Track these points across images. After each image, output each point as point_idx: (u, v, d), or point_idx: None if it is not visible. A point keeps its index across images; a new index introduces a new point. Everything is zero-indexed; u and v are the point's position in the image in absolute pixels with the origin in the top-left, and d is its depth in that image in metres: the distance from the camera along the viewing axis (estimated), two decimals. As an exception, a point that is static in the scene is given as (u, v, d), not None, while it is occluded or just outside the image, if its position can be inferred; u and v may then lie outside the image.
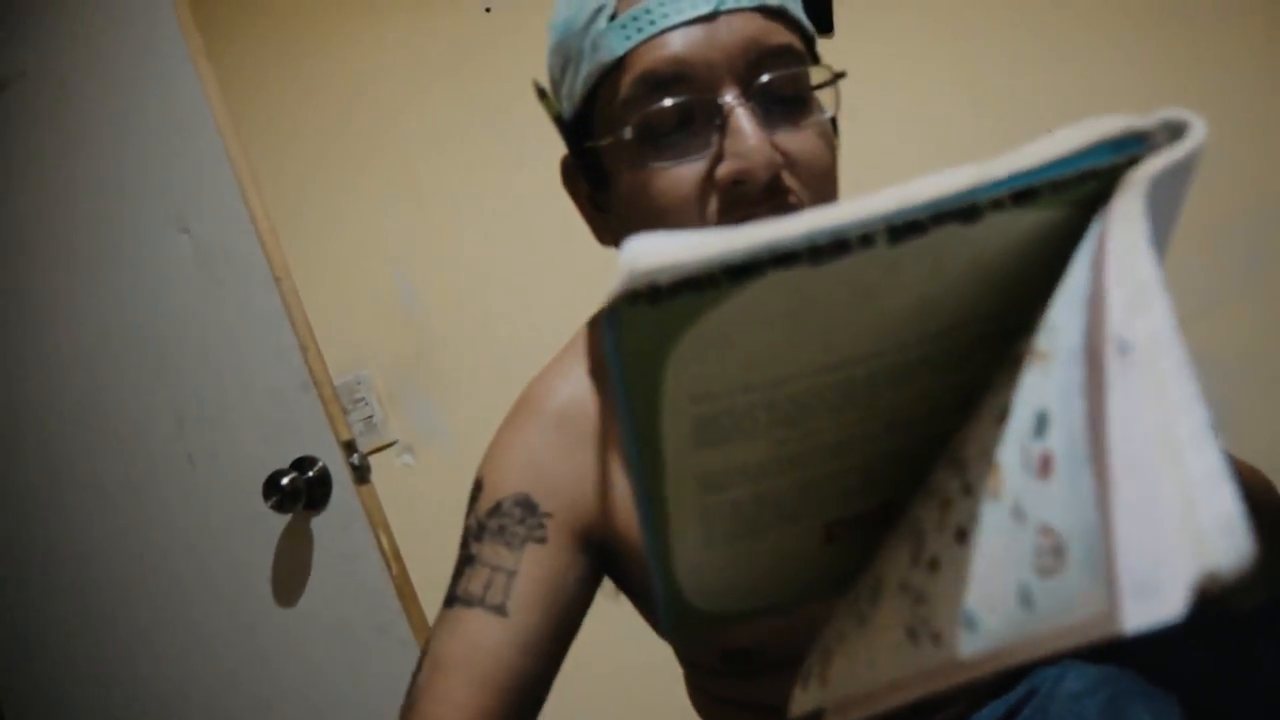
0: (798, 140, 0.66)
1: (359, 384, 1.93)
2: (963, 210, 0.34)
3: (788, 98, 0.67)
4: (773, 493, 0.40)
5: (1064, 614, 0.30)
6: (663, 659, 0.97)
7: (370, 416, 1.93)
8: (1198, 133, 0.34)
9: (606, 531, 0.78)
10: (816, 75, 0.69)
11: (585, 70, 0.69)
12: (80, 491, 1.66)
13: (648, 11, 0.66)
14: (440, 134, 1.91)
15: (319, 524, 1.56)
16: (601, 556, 0.79)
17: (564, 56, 0.72)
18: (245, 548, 1.58)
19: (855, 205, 0.33)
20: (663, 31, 0.65)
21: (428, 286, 1.92)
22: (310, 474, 1.54)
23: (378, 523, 1.57)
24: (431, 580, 1.58)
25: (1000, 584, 0.33)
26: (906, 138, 1.97)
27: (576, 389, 0.80)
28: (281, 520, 1.54)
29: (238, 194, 1.58)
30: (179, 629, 1.61)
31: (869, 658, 0.39)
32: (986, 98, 2.00)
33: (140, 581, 1.63)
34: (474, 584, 0.73)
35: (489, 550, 0.75)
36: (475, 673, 0.69)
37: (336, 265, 1.91)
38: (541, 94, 0.76)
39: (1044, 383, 0.33)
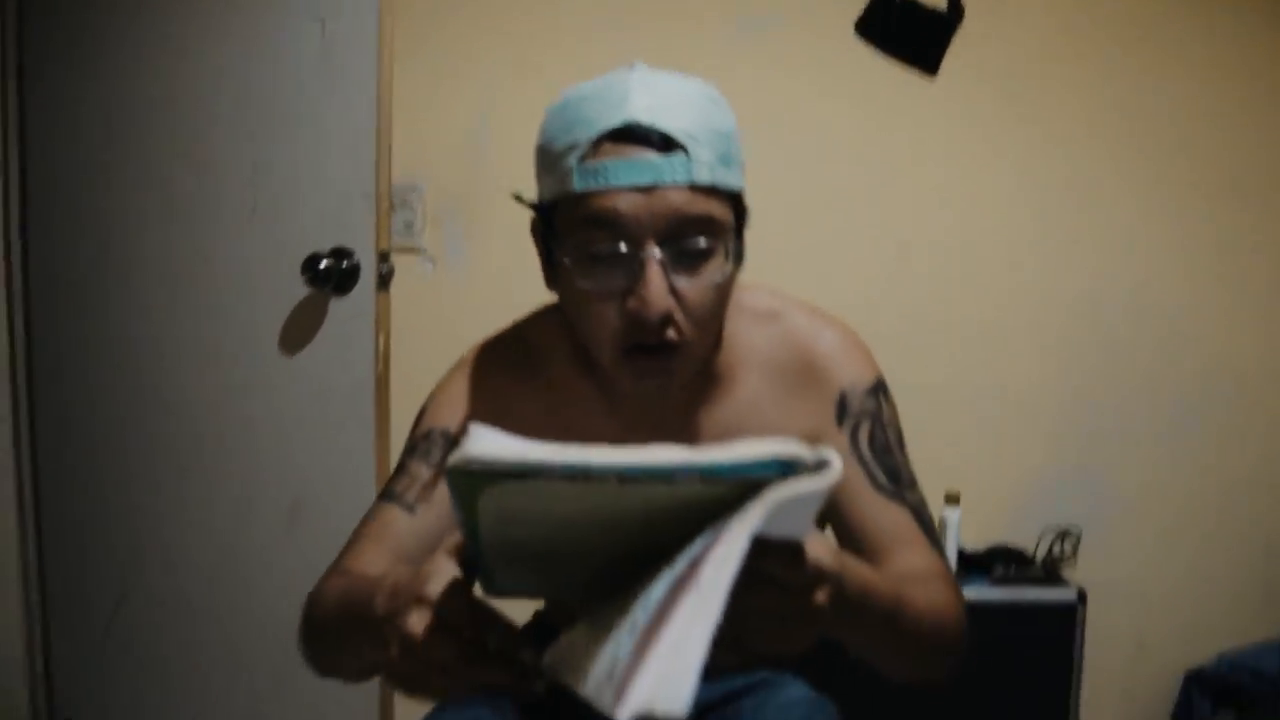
0: (693, 287, 0.88)
1: (413, 190, 2.17)
2: (666, 478, 0.56)
3: (697, 251, 0.88)
4: (550, 552, 0.66)
5: (609, 679, 0.53)
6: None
7: (411, 223, 2.18)
8: (833, 473, 0.56)
9: None
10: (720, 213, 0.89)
11: (551, 185, 0.90)
12: (152, 194, 1.92)
13: (605, 169, 0.85)
14: (571, 25, 2.10)
15: (336, 306, 1.84)
16: None
17: (542, 162, 0.93)
18: (270, 297, 1.86)
19: (605, 454, 0.55)
20: (614, 188, 0.85)
21: (501, 139, 2.13)
22: (344, 264, 1.81)
23: (382, 324, 1.85)
24: (404, 376, 1.88)
25: (610, 648, 0.57)
26: (969, 174, 2.21)
27: (503, 354, 1.07)
28: (305, 290, 1.81)
29: (375, 5, 1.78)
30: (191, 343, 1.91)
31: (579, 650, 0.63)
32: (1042, 179, 2.19)
33: (178, 291, 1.91)
34: (398, 486, 1.00)
35: (414, 464, 1.00)
36: (383, 545, 0.95)
37: (437, 87, 2.12)
38: (518, 199, 0.99)
39: (674, 567, 0.58)
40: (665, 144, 0.85)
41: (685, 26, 2.14)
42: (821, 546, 0.65)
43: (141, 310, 1.96)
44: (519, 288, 2.12)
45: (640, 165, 0.85)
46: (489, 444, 0.56)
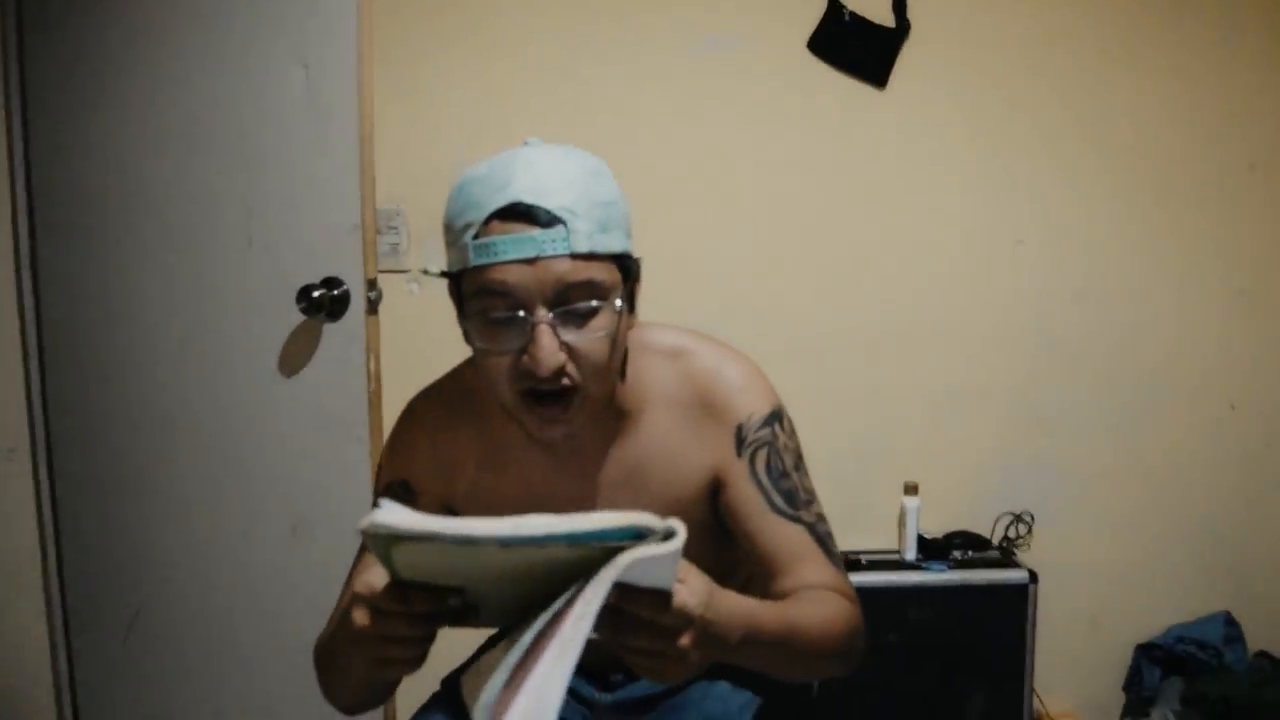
0: (583, 340, 0.99)
1: (397, 214, 2.30)
2: (537, 542, 0.68)
3: (582, 311, 0.98)
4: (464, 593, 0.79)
5: (485, 709, 0.68)
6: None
7: (397, 245, 2.31)
8: (678, 541, 0.69)
9: (453, 499, 1.18)
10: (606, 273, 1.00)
11: (454, 258, 1.01)
12: (153, 230, 2.05)
13: (494, 245, 0.96)
14: (540, 52, 2.24)
15: (329, 330, 1.97)
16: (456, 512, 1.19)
17: (447, 238, 1.03)
18: (268, 325, 1.99)
19: (486, 524, 0.67)
20: (503, 261, 0.96)
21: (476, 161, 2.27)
22: (335, 292, 1.94)
23: (373, 346, 1.98)
24: (396, 393, 2.01)
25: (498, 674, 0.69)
26: (920, 179, 2.36)
27: (443, 404, 1.20)
28: (300, 318, 1.94)
29: (355, 44, 1.90)
30: (196, 369, 2.05)
31: (478, 678, 0.77)
32: (990, 182, 2.33)
33: (181, 320, 2.04)
34: None
35: None
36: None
37: (415, 119, 2.25)
38: (425, 272, 1.11)
39: (542, 617, 0.70)
40: (546, 219, 0.96)
41: (648, 51, 2.28)
42: (690, 595, 0.77)
43: (147, 339, 2.09)
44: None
45: (524, 240, 0.96)
46: (393, 515, 0.69)
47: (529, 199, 0.96)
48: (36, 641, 2.31)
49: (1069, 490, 2.41)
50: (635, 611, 0.75)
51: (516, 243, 0.96)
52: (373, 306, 1.96)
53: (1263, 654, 2.39)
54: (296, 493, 2.03)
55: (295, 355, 1.99)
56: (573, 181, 0.99)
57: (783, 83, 2.30)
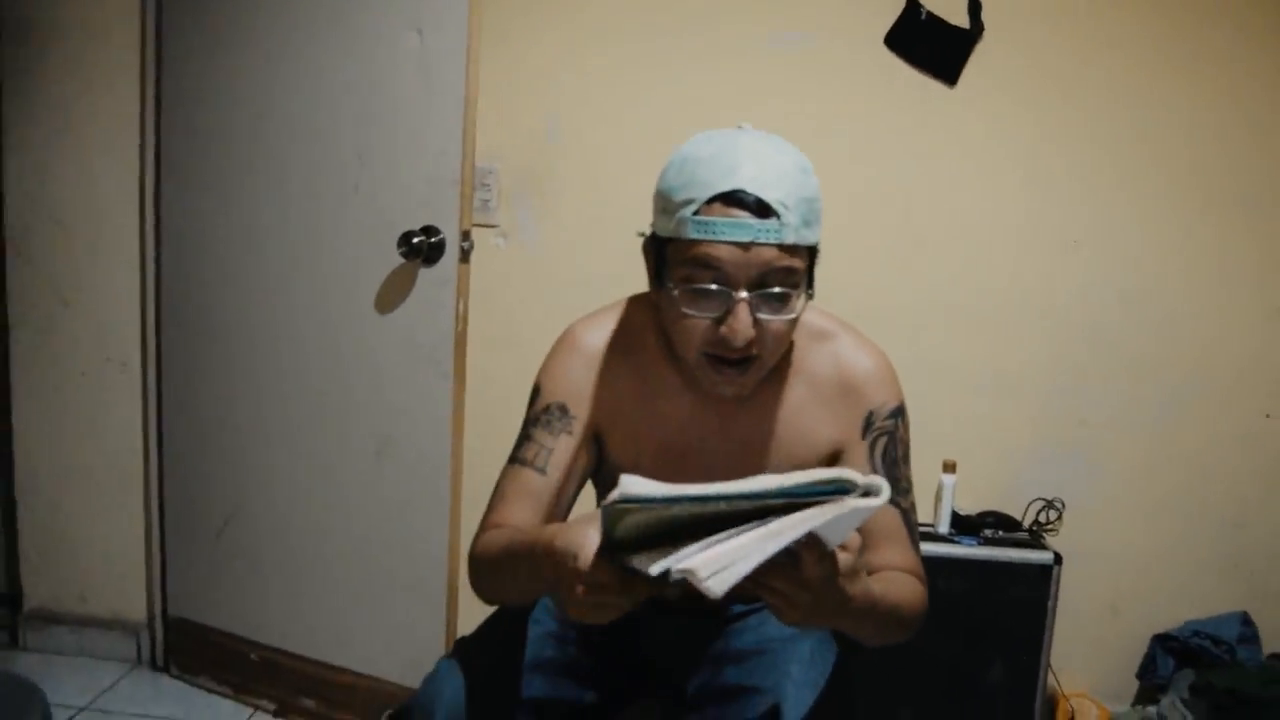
0: (774, 320, 1.11)
1: (490, 173, 2.47)
2: (760, 497, 0.77)
3: (778, 295, 1.10)
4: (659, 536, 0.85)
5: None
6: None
7: (488, 200, 2.48)
8: (879, 499, 0.77)
9: (603, 425, 1.28)
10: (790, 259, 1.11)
11: (669, 226, 1.12)
12: (271, 174, 2.24)
13: (714, 224, 1.07)
14: (627, 41, 2.41)
15: (424, 274, 2.15)
16: (599, 445, 1.29)
17: (663, 203, 1.13)
18: (369, 265, 2.18)
19: (720, 485, 0.77)
20: (719, 241, 1.07)
21: (565, 133, 2.44)
22: (433, 240, 2.11)
23: (462, 290, 2.16)
24: (478, 334, 2.21)
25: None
26: (979, 174, 2.47)
27: (604, 336, 1.29)
28: (399, 261, 2.13)
29: (465, 14, 2.06)
30: (300, 301, 2.24)
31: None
32: (1045, 179, 2.44)
33: (290, 257, 2.24)
34: (528, 452, 1.24)
35: (539, 433, 1.24)
36: (525, 502, 1.19)
37: (514, 85, 2.42)
38: (641, 235, 1.21)
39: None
40: (762, 209, 1.07)
41: (730, 41, 2.42)
42: (844, 562, 0.87)
43: (257, 272, 2.30)
44: (577, 259, 2.49)
45: (741, 226, 1.07)
46: (640, 486, 0.81)
47: (751, 188, 1.08)
48: (135, 537, 2.55)
49: (1101, 481, 2.52)
50: (803, 552, 0.84)
51: (735, 227, 1.07)
52: (465, 255, 2.13)
53: (1276, 656, 2.49)
54: (383, 418, 2.22)
55: (392, 294, 2.17)
56: (788, 177, 1.11)
57: (858, 74, 2.42)
